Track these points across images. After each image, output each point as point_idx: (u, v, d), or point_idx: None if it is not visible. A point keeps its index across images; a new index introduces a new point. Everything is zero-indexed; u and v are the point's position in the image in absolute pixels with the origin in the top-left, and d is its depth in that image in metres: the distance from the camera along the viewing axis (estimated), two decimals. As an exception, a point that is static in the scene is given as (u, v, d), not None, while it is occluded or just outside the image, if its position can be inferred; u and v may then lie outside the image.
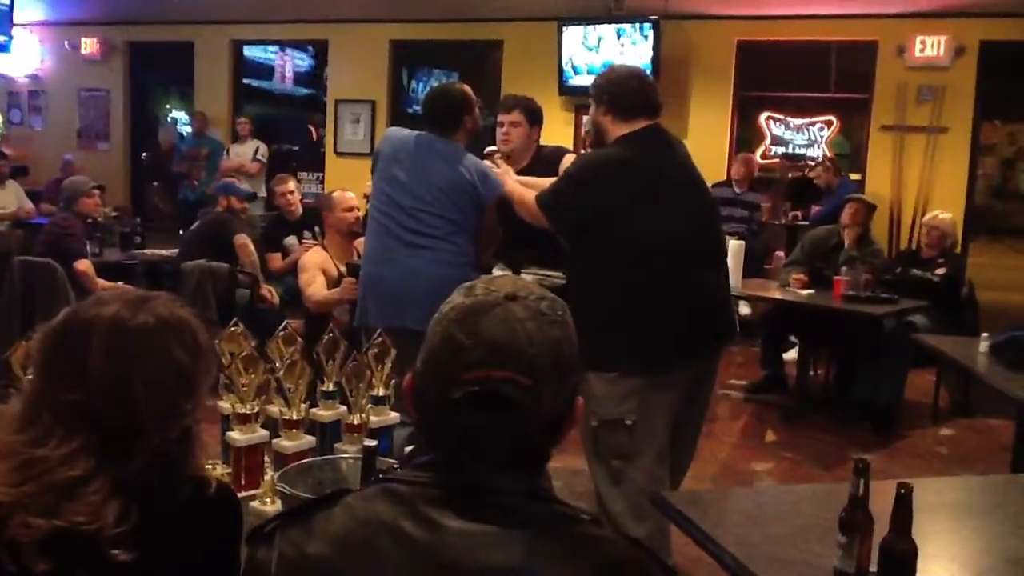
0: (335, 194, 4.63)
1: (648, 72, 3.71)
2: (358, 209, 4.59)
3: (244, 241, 5.67)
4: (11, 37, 9.04)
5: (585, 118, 8.65)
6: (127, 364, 1.28)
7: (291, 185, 6.15)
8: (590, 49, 8.35)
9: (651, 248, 2.73)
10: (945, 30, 7.55)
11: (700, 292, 2.84)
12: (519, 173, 3.62)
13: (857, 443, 4.78)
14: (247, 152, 9.11)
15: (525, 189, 3.15)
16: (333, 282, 4.27)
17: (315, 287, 4.19)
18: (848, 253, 5.65)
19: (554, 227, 2.93)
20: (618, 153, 2.83)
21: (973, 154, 7.83)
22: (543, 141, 3.86)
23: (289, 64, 10.96)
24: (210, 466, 1.90)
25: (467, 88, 3.43)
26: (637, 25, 8.09)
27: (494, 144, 3.72)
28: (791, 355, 5.90)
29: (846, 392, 5.54)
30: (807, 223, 7.60)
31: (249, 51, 10.59)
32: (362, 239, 4.20)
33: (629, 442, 2.74)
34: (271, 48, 10.73)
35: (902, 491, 1.51)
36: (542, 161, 3.63)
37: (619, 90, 2.87)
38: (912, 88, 7.69)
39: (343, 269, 4.33)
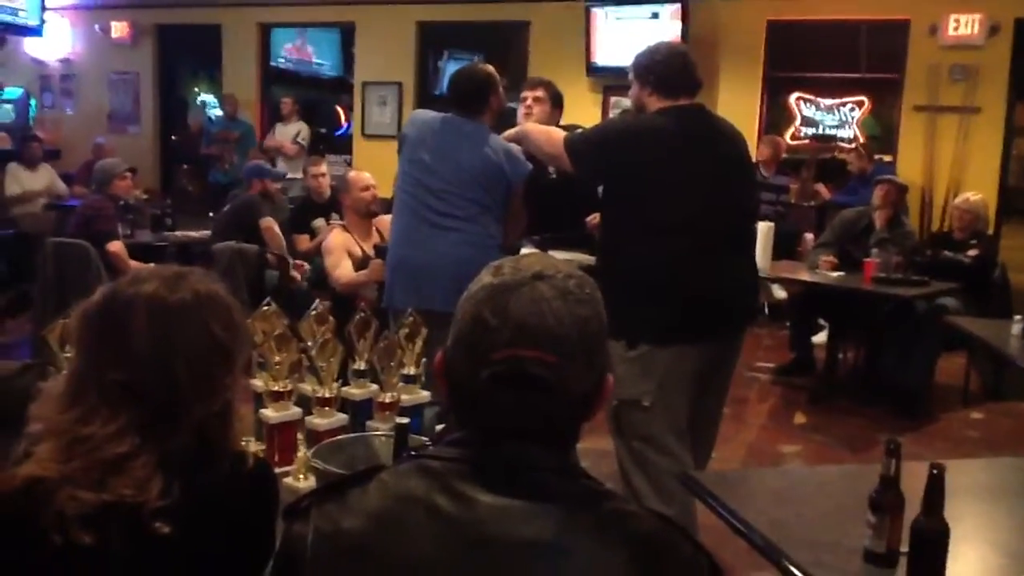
0: (351, 175, 4.64)
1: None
2: (375, 188, 4.60)
3: (270, 224, 5.72)
4: (43, 21, 9.12)
5: (614, 99, 8.59)
6: (170, 340, 1.30)
7: (323, 167, 6.22)
8: (617, 30, 8.28)
9: (675, 221, 2.72)
10: (979, 8, 7.42)
11: (723, 272, 2.82)
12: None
13: (886, 426, 4.75)
14: (289, 133, 9.16)
15: (553, 128, 3.12)
16: (358, 263, 4.29)
17: (342, 269, 4.21)
18: (879, 235, 5.60)
19: (576, 170, 2.90)
20: (654, 120, 2.82)
21: (1007, 135, 7.70)
22: (572, 121, 3.87)
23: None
24: (244, 443, 1.93)
25: (492, 68, 3.44)
26: (666, 4, 8.02)
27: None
28: (820, 338, 5.86)
29: (875, 375, 5.51)
30: (834, 203, 7.53)
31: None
32: (384, 219, 4.22)
33: (647, 423, 2.74)
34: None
35: (935, 471, 1.51)
36: None
37: (664, 70, 2.85)
38: (945, 68, 7.57)
39: (368, 250, 4.35)
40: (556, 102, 3.71)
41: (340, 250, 4.30)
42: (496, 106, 3.37)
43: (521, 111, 3.70)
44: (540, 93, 3.67)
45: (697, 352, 2.78)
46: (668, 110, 2.82)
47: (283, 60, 10.76)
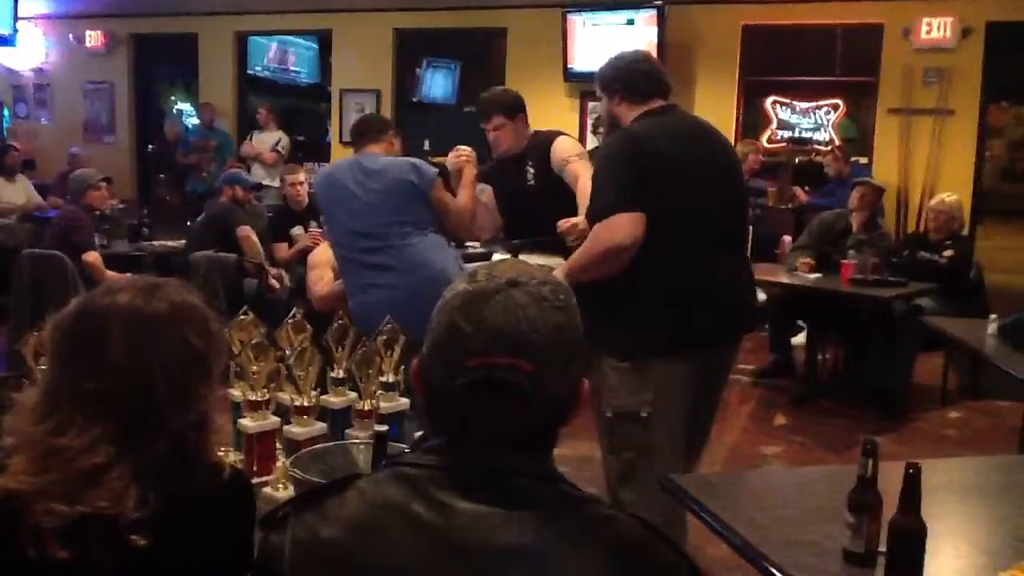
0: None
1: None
2: None
3: (247, 233, 5.70)
4: (16, 31, 9.03)
5: (592, 104, 8.58)
6: (145, 351, 1.30)
7: (300, 176, 6.20)
8: (594, 35, 8.31)
9: (674, 228, 2.61)
10: (951, 11, 7.50)
11: (721, 279, 2.74)
12: (516, 159, 3.64)
13: (866, 427, 4.77)
14: (269, 141, 9.12)
15: (584, 251, 2.71)
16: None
17: (321, 283, 4.13)
18: (856, 237, 5.65)
19: (646, 211, 2.61)
20: (638, 128, 2.73)
21: (980, 136, 7.79)
22: (549, 127, 3.86)
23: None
24: (223, 453, 1.92)
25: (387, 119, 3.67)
26: (641, 10, 8.06)
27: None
28: (799, 339, 5.90)
29: (855, 376, 5.54)
30: (811, 205, 7.58)
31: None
32: None
33: (644, 434, 2.65)
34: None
35: (911, 471, 1.52)
36: (537, 146, 3.66)
37: (630, 76, 2.80)
38: (918, 70, 7.65)
39: None
40: (512, 113, 3.63)
41: (324, 265, 4.20)
42: (394, 137, 3.54)
43: (490, 142, 3.70)
44: (497, 121, 3.60)
45: (693, 361, 2.70)
46: (644, 115, 2.76)
47: (260, 68, 10.71)
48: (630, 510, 2.59)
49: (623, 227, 2.57)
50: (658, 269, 2.63)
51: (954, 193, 6.21)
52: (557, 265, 2.89)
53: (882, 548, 1.56)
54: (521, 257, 3.44)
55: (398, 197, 3.29)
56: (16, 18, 9.05)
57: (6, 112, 11.05)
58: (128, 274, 5.28)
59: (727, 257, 2.80)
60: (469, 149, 3.59)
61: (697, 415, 2.82)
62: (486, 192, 3.76)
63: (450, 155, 3.60)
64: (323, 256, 4.29)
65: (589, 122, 8.41)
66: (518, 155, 3.66)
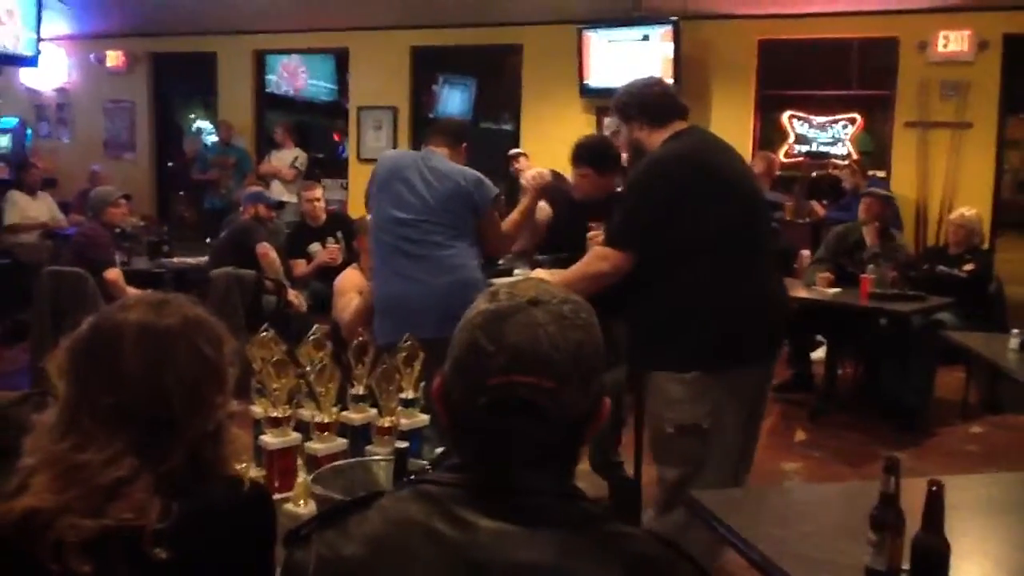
0: (368, 218, 4.62)
1: (664, 76, 3.73)
2: None
3: (266, 250, 5.73)
4: (39, 52, 9.14)
5: (607, 120, 8.62)
6: (161, 363, 1.32)
7: (318, 192, 6.26)
8: (610, 51, 8.34)
9: (728, 240, 2.63)
10: (968, 24, 7.48)
11: (772, 292, 2.76)
12: (593, 208, 3.65)
13: (885, 442, 4.75)
14: (287, 159, 9.18)
15: (573, 269, 2.84)
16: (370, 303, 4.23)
17: (348, 312, 4.06)
18: (872, 250, 5.62)
19: (641, 254, 2.67)
20: (668, 150, 2.73)
21: (999, 149, 7.74)
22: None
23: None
24: (243, 468, 1.93)
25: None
26: (657, 26, 8.08)
27: (515, 147, 3.80)
28: (818, 354, 5.87)
29: (874, 391, 5.51)
30: (829, 219, 7.56)
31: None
32: None
33: (703, 448, 2.64)
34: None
35: (934, 488, 1.51)
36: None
37: (645, 100, 2.82)
38: (935, 84, 7.62)
39: None
40: (604, 169, 3.71)
41: (351, 291, 4.15)
42: (465, 153, 3.55)
43: (573, 182, 3.77)
44: (583, 170, 3.72)
45: (748, 375, 2.71)
46: (672, 138, 2.75)
47: (278, 83, 10.79)
48: (676, 528, 2.54)
49: (612, 259, 2.68)
50: (717, 282, 2.63)
51: (973, 206, 6.18)
52: None
53: (905, 566, 1.55)
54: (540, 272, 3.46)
55: (454, 203, 3.33)
56: (39, 39, 9.15)
57: (28, 131, 11.18)
58: (148, 291, 5.33)
59: (771, 270, 2.84)
60: (547, 176, 3.61)
61: (746, 428, 2.82)
62: (544, 211, 3.78)
63: (531, 173, 3.65)
64: (350, 282, 4.23)
65: (605, 137, 8.42)
66: (598, 205, 3.66)
